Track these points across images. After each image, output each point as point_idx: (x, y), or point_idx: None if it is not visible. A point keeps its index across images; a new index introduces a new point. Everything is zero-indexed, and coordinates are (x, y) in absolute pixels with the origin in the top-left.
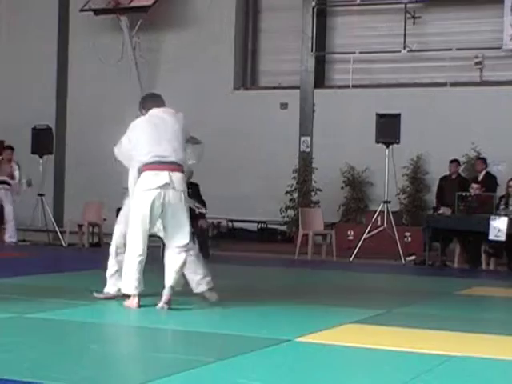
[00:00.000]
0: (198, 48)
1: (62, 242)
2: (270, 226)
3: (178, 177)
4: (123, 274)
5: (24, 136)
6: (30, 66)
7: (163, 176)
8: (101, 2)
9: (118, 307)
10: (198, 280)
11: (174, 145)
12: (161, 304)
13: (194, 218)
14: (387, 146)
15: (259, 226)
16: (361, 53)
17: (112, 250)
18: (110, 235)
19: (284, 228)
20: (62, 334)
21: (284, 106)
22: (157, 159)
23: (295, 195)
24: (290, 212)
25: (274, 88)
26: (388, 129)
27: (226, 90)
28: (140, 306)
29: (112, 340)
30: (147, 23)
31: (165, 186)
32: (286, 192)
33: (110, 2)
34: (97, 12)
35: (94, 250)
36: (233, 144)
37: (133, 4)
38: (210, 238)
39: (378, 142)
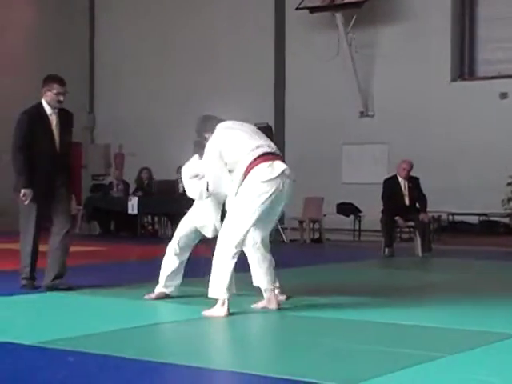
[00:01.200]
0: (414, 40)
1: (284, 238)
2: (491, 218)
3: (286, 165)
4: (214, 274)
5: None
6: (248, 64)
7: (278, 165)
8: (316, 0)
9: (340, 301)
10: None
11: (264, 138)
12: (274, 306)
13: (416, 211)
14: None
15: (480, 218)
16: None
17: (173, 247)
18: (330, 231)
19: (506, 220)
20: (286, 327)
21: (504, 95)
22: (264, 150)
23: None
24: None
25: (493, 78)
26: None
27: (443, 81)
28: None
29: (339, 334)
30: (362, 18)
31: (282, 175)
32: (508, 184)
33: (324, 0)
34: (312, 10)
35: (316, 245)
36: (450, 135)
37: (347, 0)
38: (432, 232)
39: None
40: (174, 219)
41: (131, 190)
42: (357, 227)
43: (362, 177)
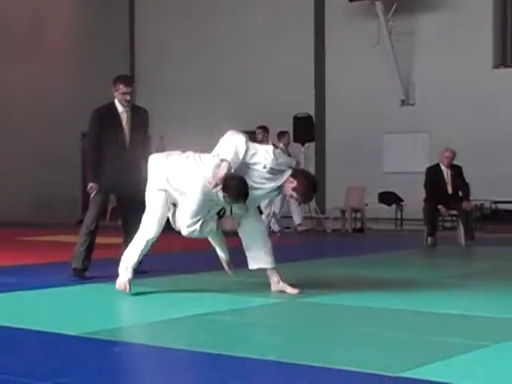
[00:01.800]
0: (455, 27)
1: (325, 228)
2: None
3: None
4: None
5: (286, 125)
6: (288, 54)
7: None
8: None
9: (384, 292)
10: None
11: None
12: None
13: (458, 200)
14: None
15: None
16: None
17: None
18: (372, 220)
19: None
20: (333, 317)
21: None
22: None
23: None
24: None
25: None
26: None
27: (485, 68)
28: None
29: (382, 323)
30: (402, 6)
31: None
32: None
33: None
34: None
35: (357, 235)
36: (492, 123)
37: None
38: (474, 221)
39: None
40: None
41: None
42: (399, 216)
43: (403, 166)
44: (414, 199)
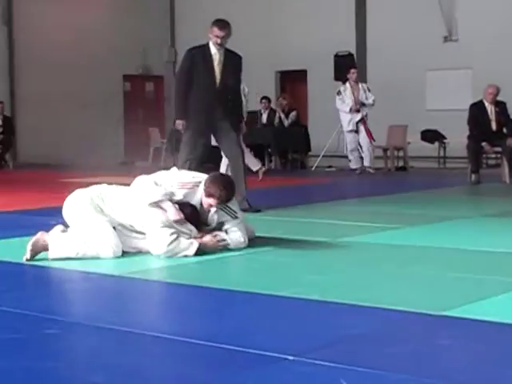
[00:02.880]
0: None
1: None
2: None
3: None
4: None
5: (327, 64)
6: None
7: None
8: None
9: (429, 230)
10: None
11: None
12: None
13: (503, 137)
14: None
15: None
16: None
17: None
18: (415, 158)
19: None
20: (375, 256)
21: None
22: None
23: None
24: None
25: None
26: None
27: None
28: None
29: (427, 262)
30: None
31: None
32: None
33: None
34: None
35: (400, 173)
36: None
37: None
38: None
39: None
40: (257, 150)
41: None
42: (442, 154)
43: (446, 103)
44: (457, 137)
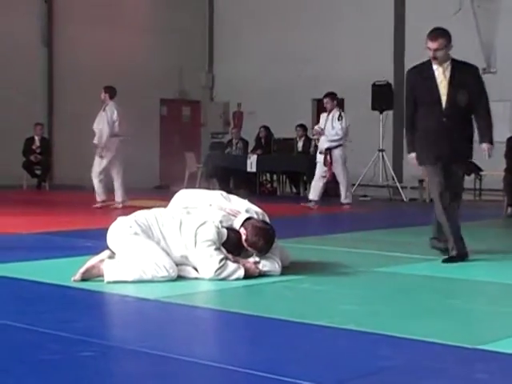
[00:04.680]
0: None
1: (403, 197)
2: None
3: None
4: None
5: (364, 93)
6: (368, 21)
7: None
8: None
9: (463, 262)
10: None
11: None
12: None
13: None
14: None
15: None
16: None
17: None
18: None
19: None
20: (411, 288)
21: None
22: None
23: None
24: None
25: None
26: None
27: None
28: None
29: (464, 294)
30: None
31: None
32: None
33: None
34: None
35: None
36: None
37: None
38: None
39: None
40: (293, 177)
41: (250, 147)
42: (478, 186)
43: None
44: (494, 169)
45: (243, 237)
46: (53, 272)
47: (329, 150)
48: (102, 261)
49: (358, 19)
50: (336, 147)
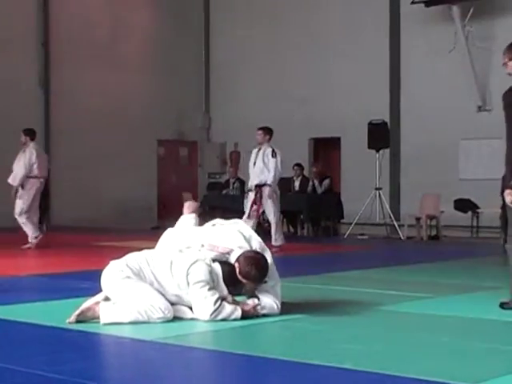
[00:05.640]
0: None
1: (400, 236)
2: None
3: None
4: None
5: (360, 131)
6: (363, 60)
7: None
8: None
9: (461, 300)
10: None
11: None
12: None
13: None
14: None
15: None
16: None
17: None
18: (447, 227)
19: None
20: (408, 326)
21: None
22: None
23: None
24: None
25: None
26: None
27: None
28: None
29: (458, 332)
30: (479, 10)
31: None
32: None
33: None
34: (428, 3)
35: (433, 242)
36: None
37: None
38: None
39: None
40: (290, 216)
41: (247, 187)
42: (475, 224)
43: (479, 172)
44: (491, 206)
45: (237, 270)
46: (48, 314)
47: (259, 187)
48: (97, 303)
49: (353, 58)
50: (267, 184)
